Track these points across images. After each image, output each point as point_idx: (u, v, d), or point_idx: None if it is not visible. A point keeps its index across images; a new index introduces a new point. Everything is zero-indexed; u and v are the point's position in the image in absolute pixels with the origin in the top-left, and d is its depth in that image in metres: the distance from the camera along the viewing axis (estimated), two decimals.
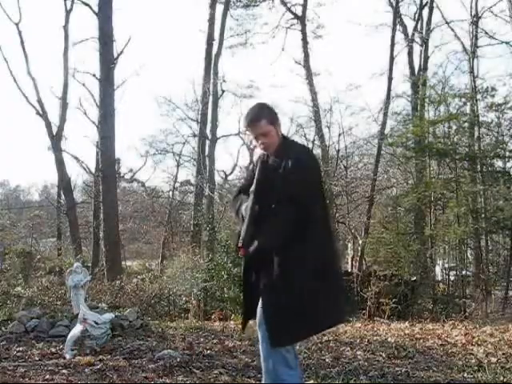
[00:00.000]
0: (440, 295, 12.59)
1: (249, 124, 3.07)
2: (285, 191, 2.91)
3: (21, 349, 5.04)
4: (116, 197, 15.59)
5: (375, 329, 7.40)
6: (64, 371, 4.03)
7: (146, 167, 36.15)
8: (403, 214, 15.55)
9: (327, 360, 4.75)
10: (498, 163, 14.54)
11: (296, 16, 19.66)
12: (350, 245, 18.53)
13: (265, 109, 3.11)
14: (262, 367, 2.97)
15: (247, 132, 3.15)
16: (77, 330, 4.90)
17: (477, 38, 15.75)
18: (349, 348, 5.43)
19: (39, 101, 17.31)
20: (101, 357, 4.53)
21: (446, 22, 17.27)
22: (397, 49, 17.45)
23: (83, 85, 18.96)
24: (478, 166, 13.31)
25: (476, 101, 13.56)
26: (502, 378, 4.06)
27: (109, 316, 5.39)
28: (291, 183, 2.91)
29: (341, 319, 3.33)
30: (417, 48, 18.21)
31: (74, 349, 4.82)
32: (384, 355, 5.00)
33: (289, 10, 19.88)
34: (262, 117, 3.03)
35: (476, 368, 4.42)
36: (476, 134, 13.77)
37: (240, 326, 5.91)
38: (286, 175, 2.93)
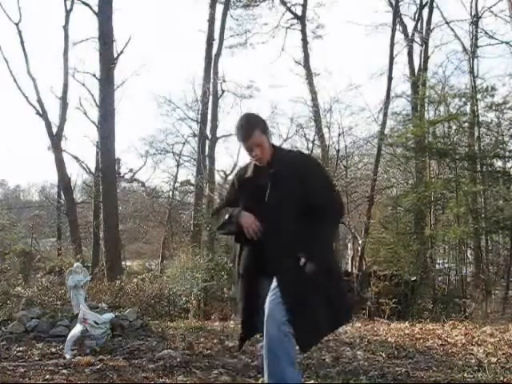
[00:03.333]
0: (440, 295, 12.59)
1: (244, 137, 3.01)
2: (314, 195, 2.96)
3: (21, 349, 5.04)
4: (116, 197, 15.59)
5: (375, 329, 7.40)
6: (64, 371, 4.02)
7: (146, 167, 36.04)
8: (403, 214, 15.53)
9: (327, 360, 4.74)
10: (498, 163, 14.54)
11: (296, 16, 19.66)
12: (349, 245, 18.51)
13: (255, 119, 3.08)
14: (266, 365, 2.91)
15: (240, 143, 3.07)
16: (77, 329, 4.90)
17: (477, 38, 15.72)
18: (349, 348, 5.42)
19: (39, 101, 17.30)
20: (101, 357, 4.52)
21: (446, 22, 17.25)
22: (397, 49, 17.39)
23: (83, 85, 19.04)
24: (478, 166, 13.31)
25: (476, 101, 13.55)
26: (502, 378, 4.06)
27: (109, 316, 5.39)
28: (319, 188, 3.00)
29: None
30: (417, 48, 18.20)
31: (74, 349, 4.82)
32: (384, 355, 5.00)
33: (289, 9, 19.88)
34: (254, 128, 3.00)
35: (476, 368, 4.41)
36: (476, 133, 13.76)
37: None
38: (308, 180, 2.96)
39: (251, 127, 3.00)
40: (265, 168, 3.02)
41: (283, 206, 2.93)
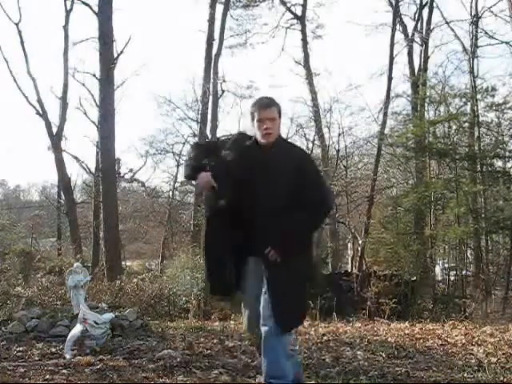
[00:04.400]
0: (440, 295, 12.59)
1: (263, 106, 3.16)
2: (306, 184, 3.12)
3: (21, 349, 5.03)
4: (116, 197, 15.56)
5: (375, 329, 7.39)
6: (64, 371, 4.02)
7: (146, 167, 36.09)
8: (403, 214, 15.54)
9: (327, 360, 4.74)
10: (498, 163, 14.55)
11: (296, 16, 19.68)
12: (349, 245, 18.52)
13: (277, 102, 3.29)
14: (263, 359, 3.11)
15: (254, 114, 3.16)
16: (77, 329, 4.90)
17: (477, 38, 15.71)
18: (349, 348, 5.42)
19: (39, 101, 17.30)
20: (101, 357, 4.52)
21: (446, 22, 17.25)
22: (397, 49, 17.40)
23: (83, 85, 19.03)
24: (478, 166, 13.31)
25: (476, 101, 13.55)
26: (502, 378, 4.06)
27: (109, 316, 5.38)
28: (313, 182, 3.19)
29: None
30: (417, 48, 18.21)
31: (74, 349, 4.81)
32: (384, 355, 4.99)
33: (289, 9, 19.90)
34: (274, 104, 3.21)
35: (476, 368, 4.41)
36: (476, 133, 13.76)
37: (240, 326, 5.93)
38: (307, 172, 3.14)
39: (273, 102, 3.21)
40: (266, 148, 3.16)
41: (275, 187, 3.07)
